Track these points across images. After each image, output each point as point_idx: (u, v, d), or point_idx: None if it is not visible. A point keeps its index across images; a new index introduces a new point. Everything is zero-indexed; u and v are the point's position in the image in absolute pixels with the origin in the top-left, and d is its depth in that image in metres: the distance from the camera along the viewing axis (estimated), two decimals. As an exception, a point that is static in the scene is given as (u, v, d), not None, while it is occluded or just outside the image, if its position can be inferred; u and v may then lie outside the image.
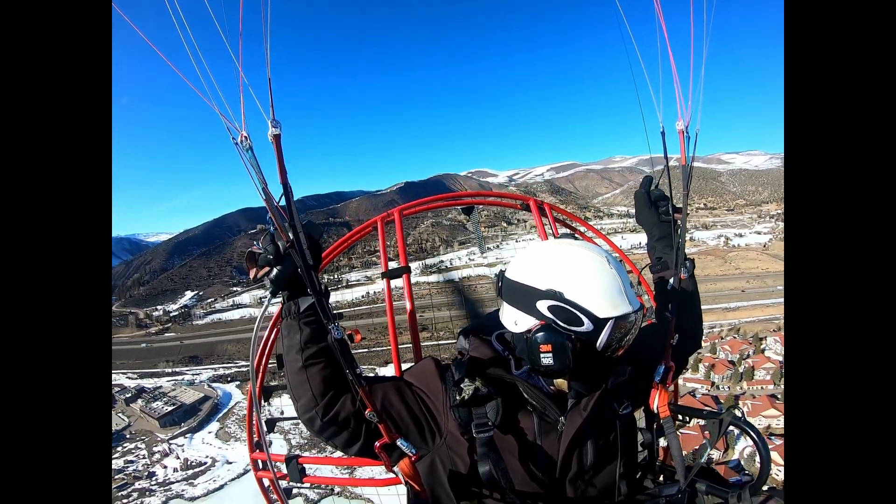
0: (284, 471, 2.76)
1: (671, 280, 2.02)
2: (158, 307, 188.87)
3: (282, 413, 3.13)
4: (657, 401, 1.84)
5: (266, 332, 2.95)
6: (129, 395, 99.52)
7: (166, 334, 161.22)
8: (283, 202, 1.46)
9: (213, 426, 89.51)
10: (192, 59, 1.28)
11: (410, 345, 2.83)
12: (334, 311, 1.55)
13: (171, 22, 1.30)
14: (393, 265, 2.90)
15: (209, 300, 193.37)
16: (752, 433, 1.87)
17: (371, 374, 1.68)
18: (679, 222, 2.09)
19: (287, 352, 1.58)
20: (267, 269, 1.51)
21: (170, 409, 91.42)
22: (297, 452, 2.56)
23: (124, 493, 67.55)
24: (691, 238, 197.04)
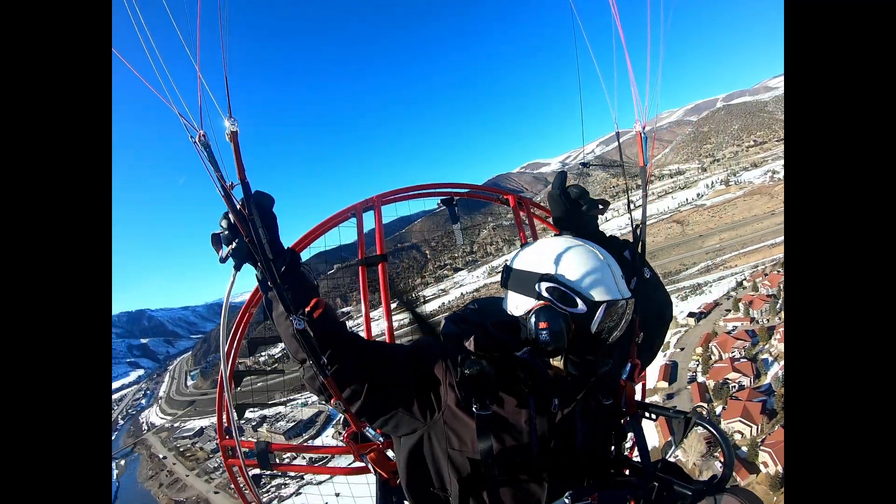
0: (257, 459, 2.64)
1: (633, 280, 1.95)
2: (263, 353, 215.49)
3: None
4: (624, 397, 1.86)
5: (239, 316, 2.77)
6: (255, 423, 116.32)
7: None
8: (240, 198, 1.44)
9: (329, 431, 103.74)
10: (149, 58, 1.24)
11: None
12: (314, 283, 1.57)
13: (125, 23, 1.28)
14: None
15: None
16: (715, 432, 1.80)
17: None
18: (637, 223, 2.06)
19: (278, 322, 1.57)
20: (230, 247, 1.49)
21: (291, 425, 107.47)
22: (268, 440, 2.59)
23: (264, 489, 79.13)
24: (737, 182, 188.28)
